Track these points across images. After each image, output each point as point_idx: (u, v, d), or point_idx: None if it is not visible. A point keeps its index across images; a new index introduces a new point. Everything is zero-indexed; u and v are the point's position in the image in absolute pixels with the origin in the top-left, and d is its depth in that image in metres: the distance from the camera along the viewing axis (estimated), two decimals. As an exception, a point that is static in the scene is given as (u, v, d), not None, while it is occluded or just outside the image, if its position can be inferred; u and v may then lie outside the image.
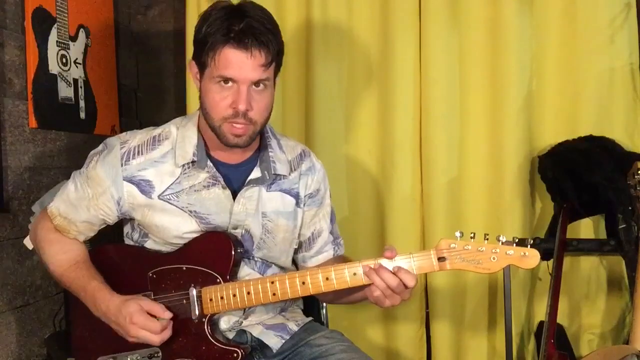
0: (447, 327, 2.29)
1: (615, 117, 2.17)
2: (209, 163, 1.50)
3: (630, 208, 1.90)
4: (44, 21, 2.09)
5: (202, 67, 1.44)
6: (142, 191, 1.50)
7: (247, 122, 1.42)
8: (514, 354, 2.17)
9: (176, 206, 1.50)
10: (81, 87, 2.31)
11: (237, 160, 1.54)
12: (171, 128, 1.54)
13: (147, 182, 1.50)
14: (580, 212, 2.09)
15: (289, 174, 1.58)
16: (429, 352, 2.35)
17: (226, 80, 1.40)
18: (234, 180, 1.53)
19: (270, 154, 1.55)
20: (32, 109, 2.03)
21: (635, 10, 2.15)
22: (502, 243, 1.32)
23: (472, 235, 1.35)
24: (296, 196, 1.60)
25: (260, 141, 1.57)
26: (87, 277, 1.49)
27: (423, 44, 2.24)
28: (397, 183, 2.28)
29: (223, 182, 1.50)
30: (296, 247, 1.65)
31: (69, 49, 2.23)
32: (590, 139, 2.14)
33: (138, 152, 1.51)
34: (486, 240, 1.34)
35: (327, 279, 1.40)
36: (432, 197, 2.26)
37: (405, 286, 1.35)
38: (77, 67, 2.29)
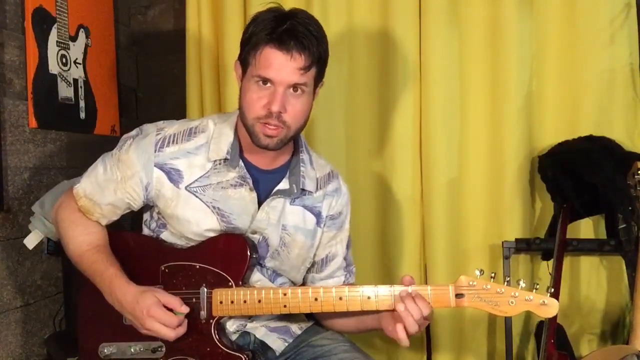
0: (447, 327, 2.28)
1: (615, 117, 2.17)
2: (241, 163, 1.50)
3: (630, 208, 1.90)
4: (44, 21, 2.09)
5: (244, 66, 1.45)
6: (171, 180, 1.50)
7: (280, 124, 1.41)
8: (514, 354, 2.17)
9: (201, 200, 1.50)
10: (81, 87, 2.31)
11: (268, 166, 1.54)
12: (209, 122, 1.55)
13: (178, 171, 1.50)
14: (580, 212, 2.09)
15: (315, 192, 1.58)
16: (429, 352, 2.35)
17: (265, 80, 1.40)
18: (261, 186, 1.53)
19: (302, 168, 1.55)
20: (32, 109, 2.03)
21: (635, 10, 2.15)
22: (522, 288, 1.32)
23: (492, 275, 1.35)
24: (318, 215, 1.59)
25: (293, 153, 1.57)
26: (106, 262, 1.49)
27: (423, 44, 2.24)
28: (397, 183, 2.28)
29: (251, 185, 1.50)
30: (309, 266, 1.64)
31: (69, 49, 2.23)
32: (590, 139, 2.13)
33: (173, 140, 1.51)
34: (506, 282, 1.34)
35: (340, 298, 1.40)
36: (432, 197, 2.26)
37: (424, 317, 1.35)
38: (77, 67, 2.28)
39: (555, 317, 1.82)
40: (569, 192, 2.06)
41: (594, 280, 2.22)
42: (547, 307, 1.33)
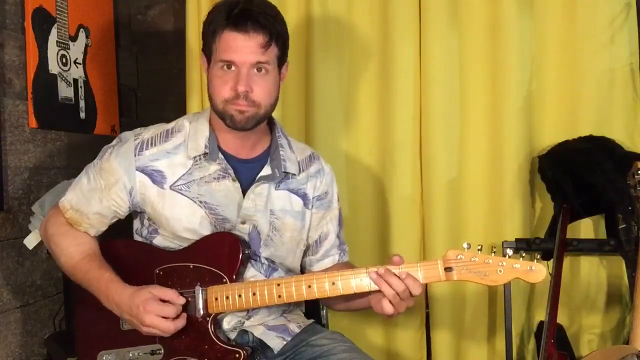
0: (447, 327, 2.28)
1: (615, 117, 2.17)
2: (220, 155, 1.53)
3: (630, 208, 1.90)
4: (44, 21, 2.09)
5: (208, 56, 1.50)
6: (155, 181, 1.52)
7: (250, 103, 1.45)
8: (514, 354, 2.17)
9: (187, 196, 1.52)
10: (81, 87, 2.31)
11: (247, 155, 1.57)
12: (184, 122, 1.59)
13: (160, 172, 1.52)
14: (580, 212, 2.09)
15: (298, 174, 1.60)
16: (428, 352, 2.35)
17: (229, 65, 1.44)
18: (243, 175, 1.55)
19: (281, 152, 1.58)
20: (32, 109, 2.03)
21: (635, 10, 2.15)
22: (509, 256, 1.34)
23: (479, 247, 1.37)
24: (304, 197, 1.62)
25: (271, 139, 1.60)
26: (99, 269, 1.50)
27: (423, 44, 2.24)
28: (397, 183, 2.28)
29: (233, 175, 1.53)
30: (304, 249, 1.66)
31: (69, 49, 2.23)
32: (590, 139, 2.14)
33: (151, 143, 1.54)
34: (493, 253, 1.36)
35: (333, 283, 1.42)
36: (432, 197, 2.26)
37: (411, 293, 1.37)
38: (77, 67, 2.29)
39: (555, 317, 1.83)
40: (569, 192, 2.06)
41: (594, 280, 2.22)
42: (535, 273, 1.34)
